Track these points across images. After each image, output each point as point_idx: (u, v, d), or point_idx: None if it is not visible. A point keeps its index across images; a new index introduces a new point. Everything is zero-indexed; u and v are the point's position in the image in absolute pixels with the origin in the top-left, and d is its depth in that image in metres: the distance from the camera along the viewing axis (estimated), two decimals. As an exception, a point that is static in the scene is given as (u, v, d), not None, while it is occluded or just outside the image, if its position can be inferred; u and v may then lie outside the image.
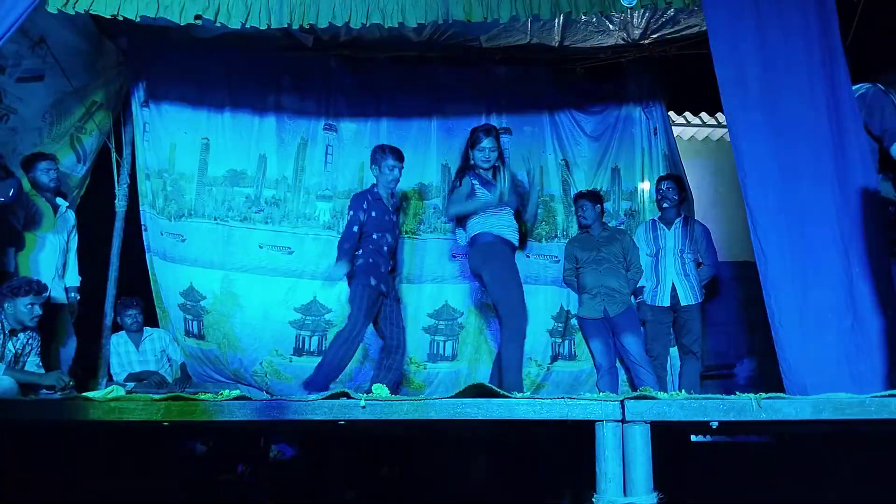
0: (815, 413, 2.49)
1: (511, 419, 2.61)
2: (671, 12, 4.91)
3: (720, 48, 3.40)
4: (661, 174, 5.34)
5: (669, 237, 4.90)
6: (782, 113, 3.30)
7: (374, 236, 4.42)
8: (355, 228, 4.38)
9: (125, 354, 5.14)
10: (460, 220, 4.51)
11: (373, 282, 4.31)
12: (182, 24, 3.80)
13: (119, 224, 5.41)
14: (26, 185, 4.52)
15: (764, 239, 3.23)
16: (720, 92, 3.38)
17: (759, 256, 3.24)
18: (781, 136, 3.28)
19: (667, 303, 4.85)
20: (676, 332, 4.94)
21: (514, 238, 4.40)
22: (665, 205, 4.94)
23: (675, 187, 4.94)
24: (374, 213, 4.43)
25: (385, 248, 4.45)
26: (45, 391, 3.85)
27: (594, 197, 5.04)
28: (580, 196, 5.09)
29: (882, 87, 3.45)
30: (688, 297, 4.83)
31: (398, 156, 4.51)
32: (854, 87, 3.42)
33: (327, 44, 5.38)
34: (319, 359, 5.27)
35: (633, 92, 5.61)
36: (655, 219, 5.05)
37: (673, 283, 4.85)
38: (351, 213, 4.43)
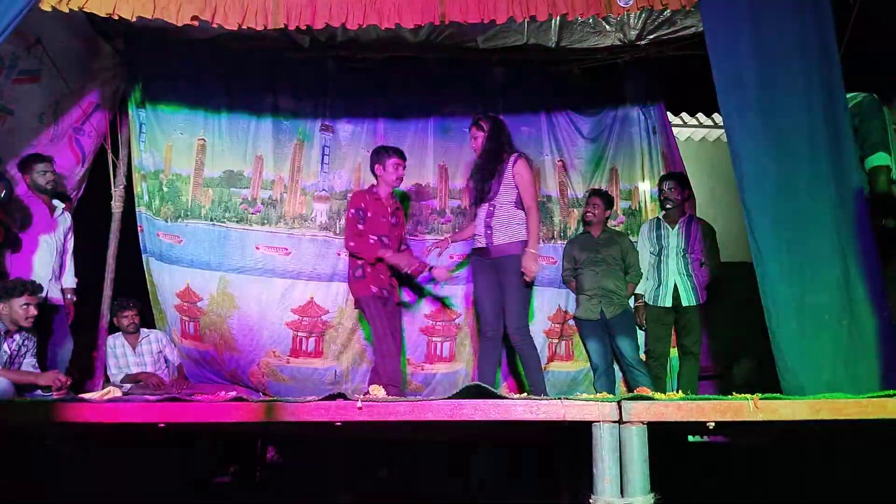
0: (812, 414, 2.49)
1: (508, 420, 2.60)
2: (667, 13, 4.92)
3: (717, 51, 3.41)
4: (662, 173, 5.35)
5: (673, 236, 4.90)
6: (779, 115, 3.30)
7: (371, 238, 4.42)
8: (360, 226, 4.41)
9: (122, 356, 5.14)
10: None
11: (374, 289, 4.36)
12: (179, 25, 3.79)
13: (115, 225, 5.40)
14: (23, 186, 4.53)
15: (761, 240, 3.24)
16: (717, 94, 3.38)
17: (756, 257, 3.24)
18: (778, 138, 3.28)
19: (669, 303, 4.84)
20: (677, 333, 4.93)
21: (481, 241, 4.36)
22: (668, 206, 4.93)
23: (677, 187, 4.92)
24: (370, 214, 4.45)
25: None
26: (40, 392, 3.85)
27: (608, 199, 5.03)
28: (595, 193, 5.05)
29: (878, 99, 3.45)
30: (690, 299, 4.82)
31: (402, 155, 4.56)
32: (851, 94, 3.43)
33: (324, 45, 5.38)
34: (317, 360, 5.30)
35: (630, 93, 5.63)
36: (660, 217, 5.04)
37: (675, 284, 4.84)
38: (353, 210, 4.45)
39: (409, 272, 4.48)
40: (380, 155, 4.55)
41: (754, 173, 3.29)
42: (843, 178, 3.22)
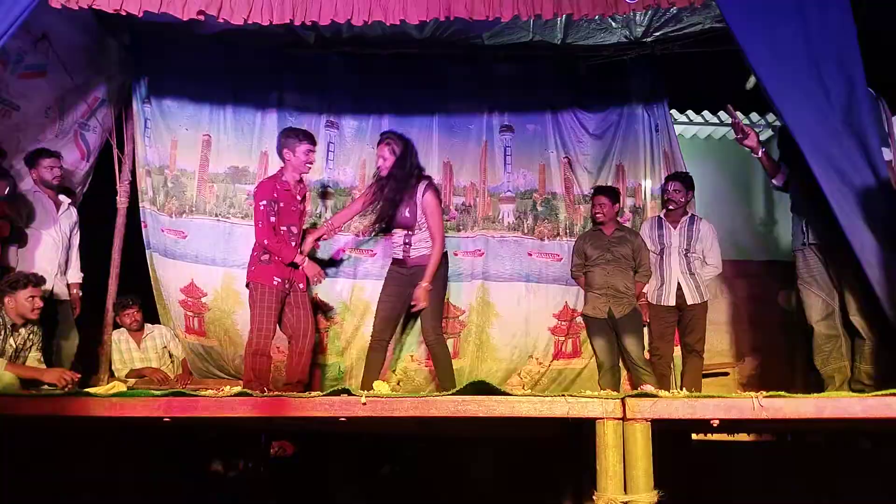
0: (817, 412, 2.48)
1: (512, 416, 2.60)
2: (674, 10, 4.89)
3: (746, 45, 3.37)
4: (664, 172, 5.33)
5: (675, 236, 4.88)
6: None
7: (282, 229, 4.24)
8: (273, 218, 4.18)
9: (126, 351, 5.16)
10: None
11: (276, 281, 4.17)
12: (185, 20, 3.79)
13: (120, 220, 5.41)
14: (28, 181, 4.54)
15: (844, 214, 3.18)
16: (761, 81, 3.33)
17: (848, 231, 3.18)
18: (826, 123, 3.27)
19: (672, 302, 4.83)
20: (680, 331, 4.91)
21: (398, 253, 4.40)
22: (671, 206, 4.91)
23: (682, 189, 4.90)
24: (282, 204, 4.23)
25: (293, 242, 4.28)
26: (46, 387, 3.86)
27: (613, 194, 4.98)
28: (599, 191, 5.00)
29: (873, 93, 3.45)
30: (693, 297, 4.80)
31: (313, 140, 4.38)
32: None
33: (329, 41, 5.37)
34: (320, 356, 5.28)
35: (636, 90, 5.60)
36: (661, 216, 5.02)
37: (679, 283, 4.82)
38: (264, 202, 4.17)
39: (315, 282, 4.37)
40: (289, 139, 4.28)
41: (819, 154, 3.25)
42: (873, 170, 3.20)
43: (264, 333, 4.12)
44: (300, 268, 4.25)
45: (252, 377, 4.07)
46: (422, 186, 4.33)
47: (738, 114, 4.01)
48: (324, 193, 5.46)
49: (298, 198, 4.37)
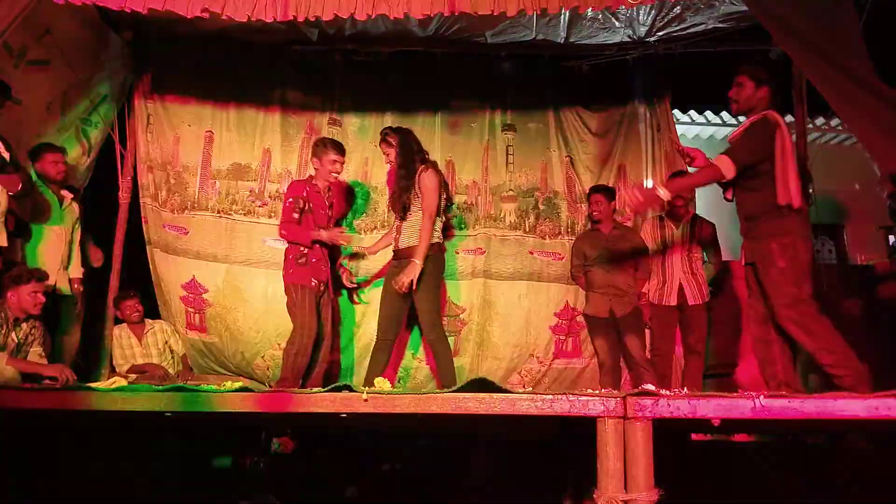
0: (818, 412, 2.48)
1: (513, 414, 2.60)
2: (677, 10, 4.89)
3: None
4: (666, 171, 5.33)
5: (677, 235, 4.87)
6: None
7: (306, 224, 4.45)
8: (295, 215, 4.41)
9: (128, 347, 5.15)
10: None
11: (313, 282, 4.39)
12: (189, 18, 3.79)
13: (122, 216, 5.41)
14: (33, 175, 4.54)
15: None
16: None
17: None
18: None
19: (674, 302, 4.82)
20: (682, 331, 4.91)
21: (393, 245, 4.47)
22: (672, 205, 4.90)
23: None
24: (312, 204, 4.47)
25: (324, 245, 4.50)
26: (47, 381, 3.86)
27: (609, 193, 4.97)
28: (595, 190, 5.01)
29: None
30: (695, 297, 4.80)
31: (340, 150, 4.57)
32: None
33: (332, 38, 5.37)
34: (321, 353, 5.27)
35: (638, 89, 5.59)
36: (663, 215, 5.01)
37: (680, 283, 4.82)
38: (290, 199, 4.44)
39: (342, 243, 4.68)
40: (317, 147, 4.57)
41: None
42: None
43: (307, 333, 4.31)
44: (319, 242, 4.45)
45: (290, 375, 4.24)
46: (420, 169, 4.38)
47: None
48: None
49: (328, 203, 4.59)
